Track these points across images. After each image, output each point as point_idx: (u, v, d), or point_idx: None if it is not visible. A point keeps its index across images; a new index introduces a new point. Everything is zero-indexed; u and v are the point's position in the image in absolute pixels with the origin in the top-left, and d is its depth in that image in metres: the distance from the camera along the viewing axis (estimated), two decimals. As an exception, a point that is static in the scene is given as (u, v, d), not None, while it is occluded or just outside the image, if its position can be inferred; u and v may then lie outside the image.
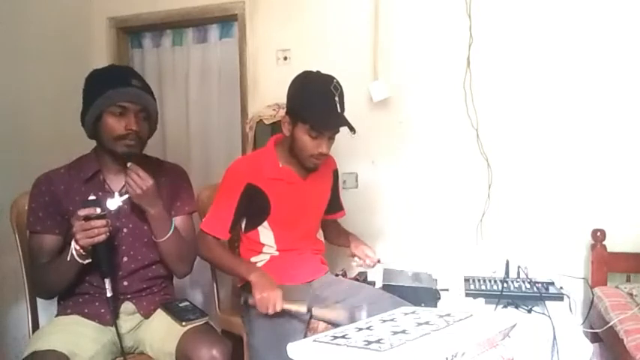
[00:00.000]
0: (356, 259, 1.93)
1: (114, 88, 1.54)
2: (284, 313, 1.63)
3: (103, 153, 1.62)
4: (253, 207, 1.79)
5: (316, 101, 1.69)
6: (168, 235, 1.62)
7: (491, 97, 2.37)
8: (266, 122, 2.49)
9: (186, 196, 1.77)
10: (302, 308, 1.59)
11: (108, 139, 1.57)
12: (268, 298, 1.57)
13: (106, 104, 1.54)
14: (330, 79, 1.72)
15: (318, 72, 1.76)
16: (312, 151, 1.72)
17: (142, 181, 1.53)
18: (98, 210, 1.42)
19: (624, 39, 2.20)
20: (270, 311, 1.57)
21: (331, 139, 1.75)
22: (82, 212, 1.41)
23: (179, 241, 1.67)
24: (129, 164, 1.55)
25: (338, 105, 1.70)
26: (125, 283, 1.62)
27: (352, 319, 1.48)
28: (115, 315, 1.56)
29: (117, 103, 1.54)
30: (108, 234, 1.44)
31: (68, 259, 1.45)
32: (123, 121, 1.55)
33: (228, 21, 2.89)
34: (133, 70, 1.69)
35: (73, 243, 1.44)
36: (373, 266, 1.93)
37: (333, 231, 2.11)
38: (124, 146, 1.57)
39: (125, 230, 1.63)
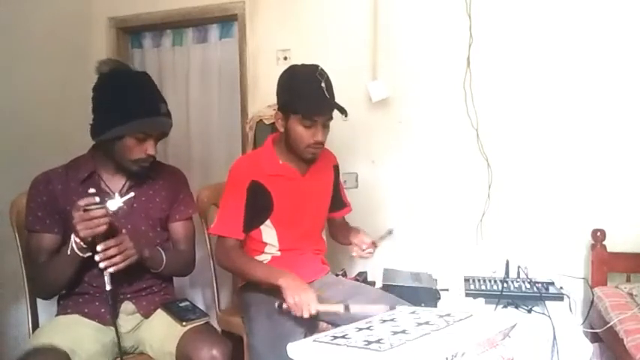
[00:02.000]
0: (355, 249, 1.85)
1: (144, 117, 1.54)
2: (284, 312, 1.63)
3: (101, 154, 1.61)
4: (258, 204, 1.79)
5: (303, 90, 1.70)
6: (164, 264, 1.63)
7: (491, 97, 2.37)
8: (266, 122, 2.49)
9: (186, 200, 1.79)
10: (339, 308, 1.55)
11: (123, 158, 1.58)
12: (302, 301, 1.53)
13: (133, 132, 1.54)
14: (313, 67, 1.73)
15: (302, 64, 1.77)
16: (308, 141, 1.72)
17: (121, 247, 1.47)
18: (97, 199, 1.41)
19: (624, 39, 2.20)
20: (306, 315, 1.52)
21: (325, 126, 1.75)
22: (82, 202, 1.40)
23: (174, 259, 1.69)
24: (98, 249, 1.44)
25: (325, 91, 1.70)
26: (125, 283, 1.62)
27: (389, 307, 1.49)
28: (115, 310, 1.56)
29: (144, 131, 1.55)
30: (107, 224, 1.42)
31: (68, 252, 1.45)
32: (144, 145, 1.57)
33: (228, 21, 2.89)
34: (156, 89, 1.64)
35: (72, 236, 1.44)
36: (373, 251, 1.83)
37: (342, 231, 2.04)
38: (139, 167, 1.60)
39: (124, 231, 1.62)
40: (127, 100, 1.54)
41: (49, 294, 1.62)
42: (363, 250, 1.82)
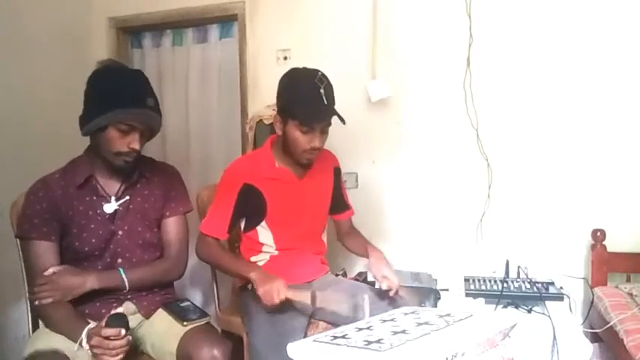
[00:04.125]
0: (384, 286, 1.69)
1: (127, 108, 1.50)
2: (284, 312, 1.63)
3: (96, 157, 1.60)
4: (251, 207, 1.79)
5: (302, 96, 1.69)
6: (126, 284, 1.59)
7: (491, 97, 2.37)
8: (266, 122, 2.49)
9: (180, 197, 1.76)
10: (306, 297, 1.58)
11: (106, 151, 1.55)
12: (271, 288, 1.55)
13: (116, 121, 1.50)
14: (314, 72, 1.72)
15: (303, 68, 1.76)
16: (305, 147, 1.72)
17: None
18: (123, 332, 1.35)
19: (624, 39, 2.20)
20: (276, 300, 1.54)
21: (323, 132, 1.74)
22: (106, 333, 1.34)
23: (143, 277, 1.64)
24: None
25: (324, 97, 1.69)
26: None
27: (355, 312, 1.48)
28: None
29: (127, 122, 1.51)
30: (126, 353, 1.37)
31: (76, 348, 1.41)
32: (127, 138, 1.53)
33: (228, 21, 2.89)
34: (147, 84, 1.60)
35: (86, 339, 1.39)
36: (390, 291, 1.68)
37: (354, 240, 2.01)
38: (122, 162, 1.56)
39: (121, 233, 1.63)
40: (111, 90, 1.51)
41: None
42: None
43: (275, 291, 1.55)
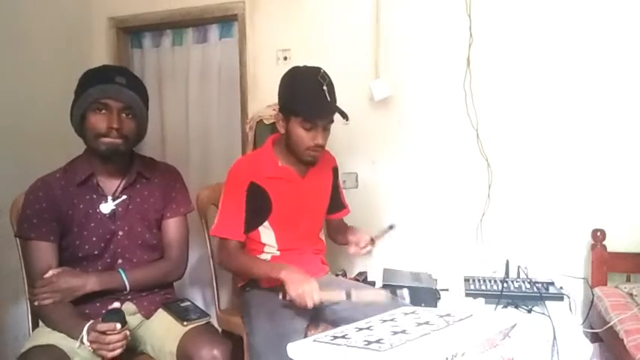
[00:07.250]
0: (352, 246, 1.80)
1: (95, 86, 1.52)
2: (285, 312, 1.63)
3: (94, 155, 1.60)
4: (257, 206, 1.79)
5: (305, 93, 1.70)
6: (127, 285, 1.59)
7: (491, 97, 2.37)
8: (266, 122, 2.48)
9: (180, 198, 1.76)
10: (341, 296, 1.57)
11: (91, 138, 1.55)
12: (304, 291, 1.52)
13: (88, 102, 1.52)
14: (316, 70, 1.73)
15: (304, 66, 1.77)
16: (309, 144, 1.73)
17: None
18: (118, 326, 1.36)
19: (624, 39, 2.20)
20: (310, 304, 1.52)
21: (326, 129, 1.75)
22: (102, 328, 1.35)
23: (143, 278, 1.64)
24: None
25: (327, 94, 1.71)
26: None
27: (393, 300, 1.57)
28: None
29: (98, 100, 1.52)
30: (124, 347, 1.38)
31: (77, 346, 1.41)
32: (105, 118, 1.53)
33: (228, 21, 2.89)
34: (122, 69, 1.66)
35: (86, 336, 1.39)
36: (371, 249, 1.80)
37: (339, 231, 2.04)
38: (105, 145, 1.54)
39: (121, 233, 1.63)
40: (85, 77, 1.57)
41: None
42: (361, 248, 1.78)
43: (308, 294, 1.52)
